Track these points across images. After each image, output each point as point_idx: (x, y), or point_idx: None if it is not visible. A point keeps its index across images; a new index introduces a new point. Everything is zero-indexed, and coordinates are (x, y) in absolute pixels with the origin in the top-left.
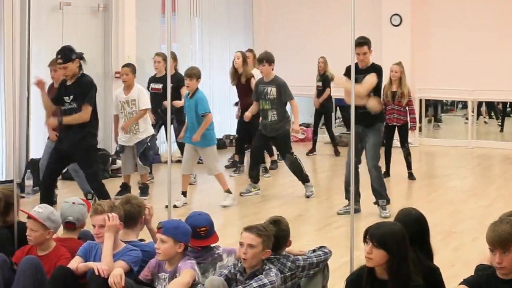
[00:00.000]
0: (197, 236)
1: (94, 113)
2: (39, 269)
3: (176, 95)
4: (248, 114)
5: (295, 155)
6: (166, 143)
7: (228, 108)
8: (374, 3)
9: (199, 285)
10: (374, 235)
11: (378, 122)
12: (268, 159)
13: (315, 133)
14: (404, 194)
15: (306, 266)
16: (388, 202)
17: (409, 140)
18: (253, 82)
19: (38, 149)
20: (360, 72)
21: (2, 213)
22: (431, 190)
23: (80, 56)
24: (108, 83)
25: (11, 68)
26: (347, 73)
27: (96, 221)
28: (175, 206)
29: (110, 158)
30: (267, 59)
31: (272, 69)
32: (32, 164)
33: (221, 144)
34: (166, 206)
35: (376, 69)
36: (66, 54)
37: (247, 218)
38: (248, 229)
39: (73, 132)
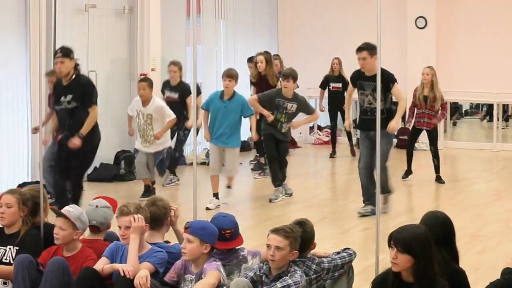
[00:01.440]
0: (222, 238)
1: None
2: (66, 270)
3: (183, 104)
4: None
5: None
6: (191, 145)
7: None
8: (399, 6)
9: (224, 287)
10: (398, 240)
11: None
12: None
13: (334, 136)
14: (429, 197)
15: (331, 268)
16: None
17: None
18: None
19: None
20: (366, 79)
21: (31, 213)
22: (455, 193)
23: (76, 61)
24: (134, 85)
25: (37, 69)
26: (353, 78)
27: (122, 222)
28: (207, 208)
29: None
30: (293, 75)
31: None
32: None
33: (246, 146)
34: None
35: (390, 78)
36: (66, 50)
37: (271, 221)
38: (275, 231)
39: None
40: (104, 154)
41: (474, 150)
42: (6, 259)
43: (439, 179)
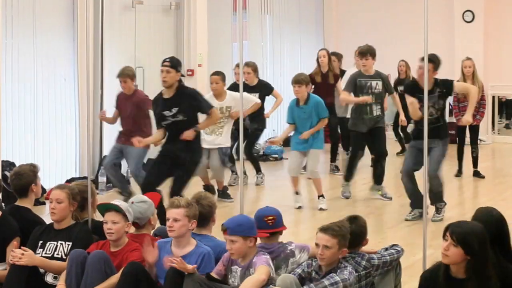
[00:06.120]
0: (264, 226)
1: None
2: (107, 262)
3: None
4: None
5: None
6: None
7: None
8: (446, 0)
9: (270, 285)
10: (454, 231)
11: (446, 136)
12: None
13: (397, 134)
14: (478, 192)
15: (380, 265)
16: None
17: (482, 137)
18: (340, 82)
19: (111, 146)
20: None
21: (79, 209)
22: (505, 188)
23: (182, 74)
24: None
25: (84, 66)
26: (408, 89)
27: (171, 214)
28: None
29: None
30: (371, 52)
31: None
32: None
33: None
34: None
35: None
36: (175, 61)
37: (319, 215)
38: (323, 230)
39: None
40: (152, 150)
41: None
42: (58, 254)
43: (477, 174)
